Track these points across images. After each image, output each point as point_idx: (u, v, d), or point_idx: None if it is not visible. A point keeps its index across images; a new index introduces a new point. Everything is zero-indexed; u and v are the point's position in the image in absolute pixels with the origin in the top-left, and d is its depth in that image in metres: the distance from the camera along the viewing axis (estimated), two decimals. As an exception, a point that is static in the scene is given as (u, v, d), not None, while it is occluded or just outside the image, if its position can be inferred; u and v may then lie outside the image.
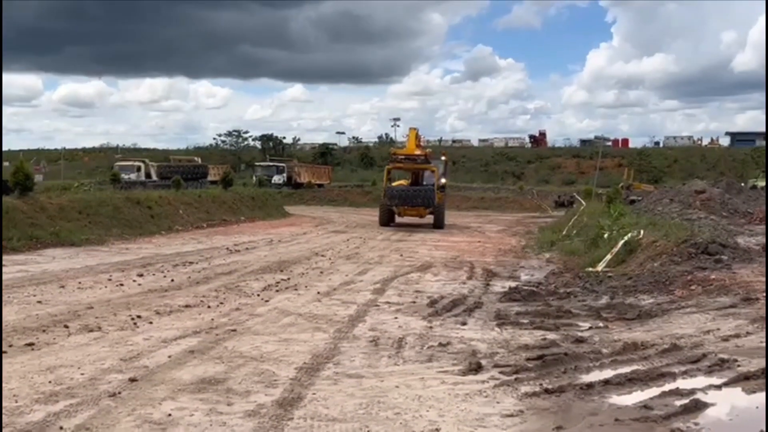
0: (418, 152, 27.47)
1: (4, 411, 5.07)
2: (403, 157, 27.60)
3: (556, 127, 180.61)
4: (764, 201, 23.36)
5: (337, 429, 5.00)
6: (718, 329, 8.08)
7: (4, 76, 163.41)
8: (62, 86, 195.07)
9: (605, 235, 15.74)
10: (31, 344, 7.06)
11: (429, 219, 27.36)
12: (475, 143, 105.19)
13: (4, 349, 6.82)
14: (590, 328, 8.64)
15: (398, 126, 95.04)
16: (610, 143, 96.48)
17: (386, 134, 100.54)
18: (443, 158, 30.54)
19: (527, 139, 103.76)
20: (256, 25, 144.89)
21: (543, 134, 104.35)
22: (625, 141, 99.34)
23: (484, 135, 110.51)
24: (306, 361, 6.79)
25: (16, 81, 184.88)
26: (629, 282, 11.26)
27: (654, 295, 10.20)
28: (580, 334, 8.23)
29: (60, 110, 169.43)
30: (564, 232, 21.38)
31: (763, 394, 5.82)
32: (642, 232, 14.33)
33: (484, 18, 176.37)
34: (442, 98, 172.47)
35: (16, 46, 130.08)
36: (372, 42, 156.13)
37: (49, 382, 5.83)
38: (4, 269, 12.25)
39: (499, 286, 12.19)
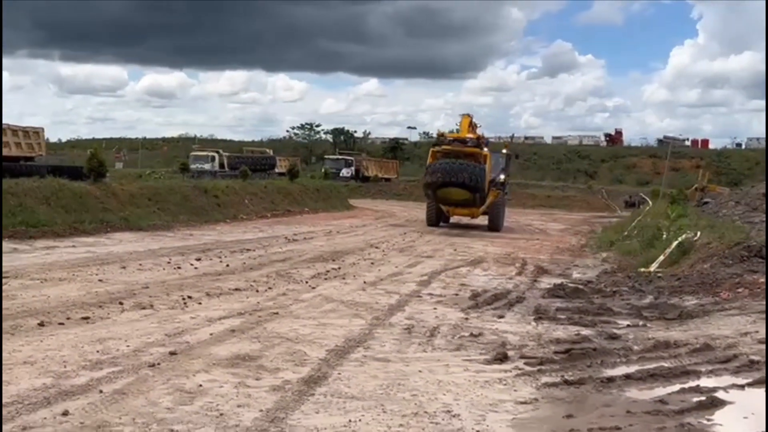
0: (470, 135, 24.16)
1: (53, 375, 5.57)
2: (451, 138, 24.38)
3: (636, 126, 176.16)
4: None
5: (353, 406, 5.27)
6: (757, 332, 7.99)
7: (92, 67, 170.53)
8: (146, 77, 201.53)
9: (663, 236, 15.57)
10: (86, 318, 7.61)
11: (483, 220, 24.79)
12: (548, 141, 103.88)
13: (61, 321, 7.40)
14: (628, 326, 8.66)
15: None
16: (689, 142, 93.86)
17: (457, 130, 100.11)
18: (504, 151, 27.10)
19: (603, 138, 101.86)
20: (334, 19, 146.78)
21: (619, 133, 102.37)
22: (705, 142, 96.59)
23: (560, 132, 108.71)
24: (338, 344, 7.10)
25: (103, 72, 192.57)
26: (677, 283, 11.16)
27: (699, 297, 10.11)
28: (615, 331, 8.28)
29: (143, 100, 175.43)
30: (625, 233, 21.13)
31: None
32: (699, 233, 14.13)
33: (564, 14, 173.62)
34: (518, 94, 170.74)
35: (104, 38, 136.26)
36: (449, 37, 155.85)
37: (97, 351, 6.31)
38: (74, 249, 13.08)
39: (547, 282, 12.24)
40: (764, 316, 8.75)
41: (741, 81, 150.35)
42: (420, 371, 6.31)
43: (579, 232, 26.14)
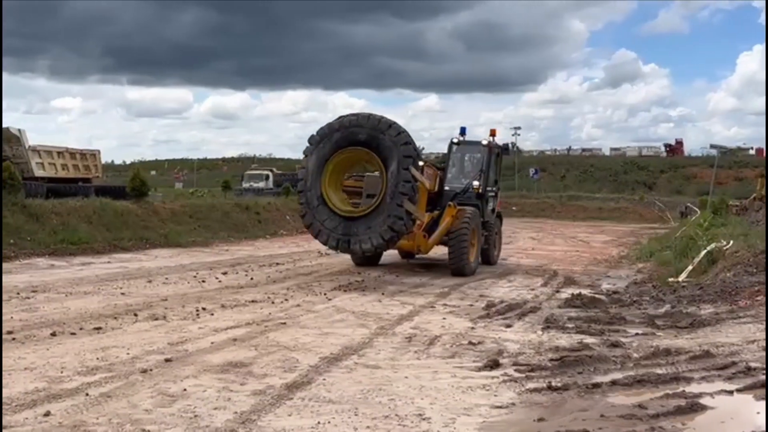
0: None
1: (48, 379, 5.89)
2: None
3: (702, 135, 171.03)
4: None
5: (327, 409, 5.42)
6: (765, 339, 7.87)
7: (158, 90, 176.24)
8: (210, 99, 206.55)
9: (697, 246, 15.30)
10: (98, 328, 7.97)
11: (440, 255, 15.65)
12: (607, 152, 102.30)
13: (74, 331, 7.77)
14: (636, 334, 8.59)
15: (518, 134, 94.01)
16: (753, 151, 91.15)
17: (512, 143, 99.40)
18: (484, 142, 16.28)
19: (662, 148, 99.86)
20: (392, 37, 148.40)
21: (680, 143, 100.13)
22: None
23: (622, 144, 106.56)
24: (333, 352, 7.26)
25: (170, 95, 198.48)
26: (698, 291, 10.99)
27: (717, 305, 9.94)
28: (621, 339, 8.22)
29: (207, 122, 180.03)
30: (668, 243, 20.77)
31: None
32: (731, 242, 13.85)
33: (628, 23, 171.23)
34: (579, 106, 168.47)
35: (172, 62, 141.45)
36: (508, 50, 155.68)
37: (97, 358, 6.62)
38: (108, 265, 13.60)
39: (570, 293, 12.15)
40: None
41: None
42: (406, 377, 6.42)
43: (623, 243, 25.70)
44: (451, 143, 16.47)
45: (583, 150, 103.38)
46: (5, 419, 4.89)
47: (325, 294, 11.18)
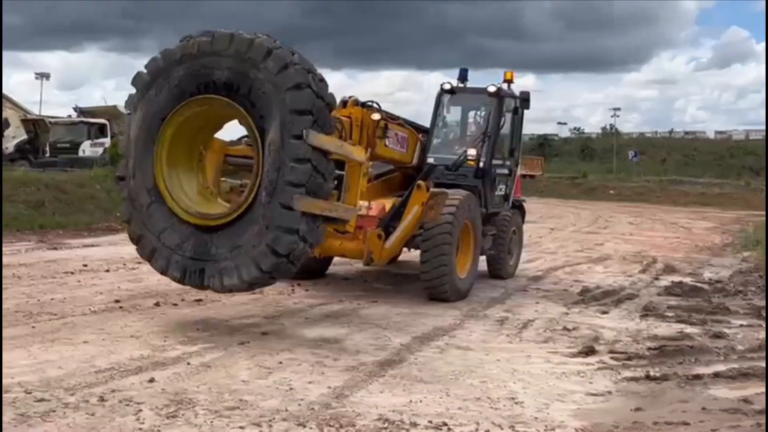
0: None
1: (152, 347, 6.16)
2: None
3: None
4: None
5: (419, 388, 5.45)
6: None
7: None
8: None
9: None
10: (199, 300, 8.26)
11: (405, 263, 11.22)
12: (711, 135, 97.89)
13: (176, 302, 8.09)
14: (740, 325, 8.24)
15: (618, 116, 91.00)
16: None
17: (611, 125, 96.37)
18: (491, 89, 10.49)
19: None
20: (487, 16, 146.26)
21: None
22: None
23: (729, 127, 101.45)
24: (425, 332, 7.29)
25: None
26: (810, 283, 10.42)
27: (831, 298, 9.41)
28: (724, 330, 7.92)
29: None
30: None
31: None
32: None
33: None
34: (684, 87, 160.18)
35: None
36: (611, 29, 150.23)
37: (197, 329, 6.88)
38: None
39: (670, 281, 11.73)
40: None
41: None
42: (498, 360, 6.38)
43: (727, 231, 24.52)
44: (441, 91, 10.88)
45: (686, 133, 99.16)
46: (113, 383, 5.14)
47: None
